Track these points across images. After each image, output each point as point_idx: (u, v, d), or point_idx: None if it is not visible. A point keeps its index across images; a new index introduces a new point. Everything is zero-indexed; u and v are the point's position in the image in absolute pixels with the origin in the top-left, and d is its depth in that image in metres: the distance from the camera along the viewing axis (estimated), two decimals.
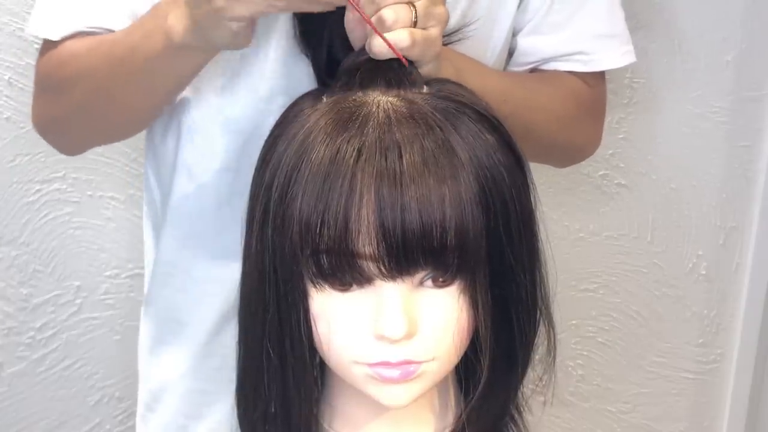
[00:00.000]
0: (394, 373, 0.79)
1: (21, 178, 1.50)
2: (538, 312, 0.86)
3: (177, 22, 0.88)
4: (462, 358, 0.83)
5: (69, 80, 1.01)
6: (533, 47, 1.11)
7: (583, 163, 1.29)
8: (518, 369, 0.86)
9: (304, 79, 0.96)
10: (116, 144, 1.49)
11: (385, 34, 0.81)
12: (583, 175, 1.65)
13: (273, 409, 0.86)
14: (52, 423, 1.62)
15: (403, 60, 0.81)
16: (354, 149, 0.75)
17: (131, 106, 1.00)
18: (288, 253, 0.78)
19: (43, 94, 1.08)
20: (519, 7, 1.08)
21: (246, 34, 0.87)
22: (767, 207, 1.71)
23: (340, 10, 0.86)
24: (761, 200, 1.71)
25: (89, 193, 1.54)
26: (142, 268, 1.18)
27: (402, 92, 0.81)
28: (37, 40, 1.07)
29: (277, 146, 0.81)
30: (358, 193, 0.74)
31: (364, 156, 0.75)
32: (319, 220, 0.75)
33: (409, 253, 0.75)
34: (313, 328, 0.80)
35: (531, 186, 0.84)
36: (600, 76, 1.15)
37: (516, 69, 1.13)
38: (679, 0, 1.59)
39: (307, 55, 0.95)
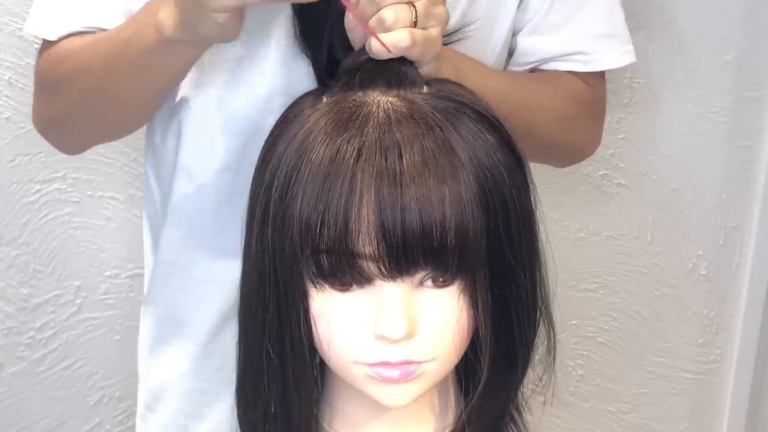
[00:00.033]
0: (394, 373, 0.79)
1: (21, 178, 1.50)
2: (538, 312, 0.86)
3: (167, 16, 0.88)
4: (462, 358, 0.83)
5: (66, 78, 1.01)
6: (533, 47, 1.11)
7: (583, 163, 1.29)
8: (518, 369, 0.86)
9: (304, 79, 0.96)
10: (116, 144, 1.50)
11: (386, 34, 0.81)
12: (583, 175, 1.65)
13: (273, 409, 0.86)
14: (52, 423, 1.62)
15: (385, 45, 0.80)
16: (354, 149, 0.75)
17: (127, 102, 1.01)
18: (288, 253, 0.78)
19: (42, 93, 1.08)
20: (519, 7, 1.08)
21: (233, 26, 0.87)
22: (767, 207, 1.71)
23: (340, 10, 0.86)
24: (761, 200, 1.71)
25: (89, 193, 1.54)
26: (142, 268, 1.18)
27: (402, 92, 0.81)
28: (37, 40, 1.07)
29: (277, 146, 0.81)
30: (358, 193, 0.74)
31: (364, 156, 0.75)
32: (319, 220, 0.75)
33: (409, 253, 0.75)
34: (313, 328, 0.80)
35: (531, 186, 0.84)
36: (600, 76, 1.15)
37: (516, 69, 1.13)
38: (679, 0, 1.59)
39: (307, 55, 0.95)
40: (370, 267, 0.76)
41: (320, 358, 0.83)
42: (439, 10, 0.84)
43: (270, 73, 0.99)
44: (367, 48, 0.82)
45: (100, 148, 1.50)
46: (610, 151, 1.64)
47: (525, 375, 0.87)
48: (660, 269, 1.73)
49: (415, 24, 0.82)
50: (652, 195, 1.68)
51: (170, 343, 1.12)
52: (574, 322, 1.73)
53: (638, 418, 1.81)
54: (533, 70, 1.13)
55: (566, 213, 1.67)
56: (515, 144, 0.82)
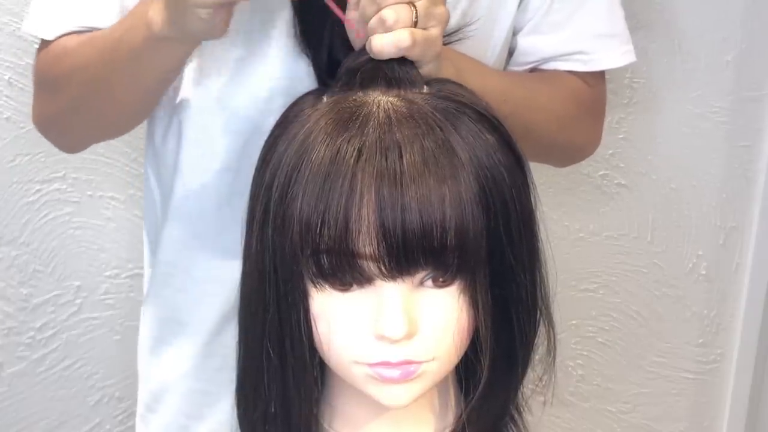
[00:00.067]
0: (395, 373, 0.79)
1: (21, 178, 1.50)
2: (538, 312, 0.86)
3: (155, 14, 0.89)
4: (462, 358, 0.83)
5: (63, 76, 1.02)
6: (533, 47, 1.11)
7: (583, 163, 1.29)
8: (518, 369, 0.86)
9: (305, 79, 0.96)
10: (116, 144, 1.50)
11: (386, 34, 0.81)
12: (583, 175, 1.65)
13: (273, 409, 0.85)
14: (52, 423, 1.62)
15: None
16: (354, 149, 0.75)
17: (123, 99, 1.01)
18: (288, 253, 0.78)
19: (40, 92, 1.09)
20: (519, 6, 1.08)
21: (218, 23, 0.87)
22: (767, 207, 1.71)
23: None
24: (761, 200, 1.71)
25: (89, 193, 1.54)
26: (142, 268, 1.18)
27: (402, 92, 0.81)
28: (36, 40, 1.07)
29: (277, 146, 0.81)
30: (358, 193, 0.74)
31: (364, 156, 0.75)
32: (320, 220, 0.75)
33: (409, 253, 0.75)
34: (314, 328, 0.80)
35: (531, 186, 0.84)
36: (600, 75, 1.15)
37: (516, 68, 1.13)
38: (679, 0, 1.59)
39: (307, 55, 0.95)
40: (371, 267, 0.76)
41: (320, 358, 0.83)
42: (440, 10, 0.84)
43: (270, 73, 0.99)
44: (367, 48, 0.82)
45: (100, 148, 1.50)
46: (610, 151, 1.64)
47: (525, 375, 0.87)
48: (660, 269, 1.73)
49: (415, 24, 0.82)
50: (652, 195, 1.68)
51: (171, 343, 1.12)
52: (574, 322, 1.73)
53: (638, 418, 1.81)
54: (533, 70, 1.13)
55: (566, 213, 1.67)
56: (515, 144, 0.82)
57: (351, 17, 0.85)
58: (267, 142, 0.84)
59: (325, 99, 0.83)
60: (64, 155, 1.49)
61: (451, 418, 0.89)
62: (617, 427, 1.81)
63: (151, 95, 1.02)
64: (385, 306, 0.77)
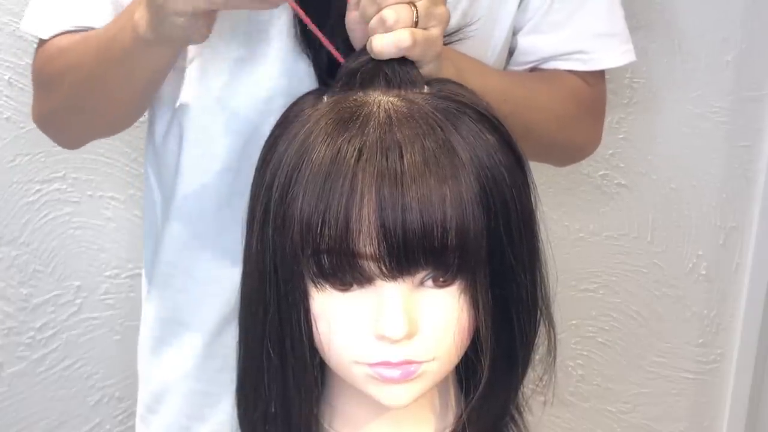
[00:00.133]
0: (395, 373, 0.79)
1: (21, 178, 1.50)
2: (539, 312, 0.86)
3: (140, 16, 0.90)
4: (462, 358, 0.83)
5: (59, 75, 1.03)
6: (533, 46, 1.11)
7: (583, 163, 1.29)
8: (518, 369, 0.86)
9: (305, 79, 0.96)
10: (116, 144, 1.50)
11: (387, 34, 0.81)
12: (583, 175, 1.65)
13: (273, 409, 0.85)
14: (52, 423, 1.62)
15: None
16: (355, 149, 0.75)
17: (116, 97, 1.02)
18: (289, 253, 0.78)
19: (38, 90, 1.09)
20: (519, 6, 1.08)
21: (197, 29, 0.87)
22: (767, 207, 1.71)
23: (341, 11, 0.86)
24: (761, 200, 1.71)
25: (89, 193, 1.54)
26: (142, 268, 1.18)
27: (403, 92, 0.81)
28: (36, 40, 1.08)
29: (277, 146, 0.81)
30: (358, 193, 0.74)
31: (365, 156, 0.75)
32: (320, 220, 0.75)
33: (409, 253, 0.75)
34: (314, 328, 0.80)
35: (531, 186, 0.84)
36: (600, 75, 1.16)
37: (516, 68, 1.13)
38: (679, 0, 1.59)
39: (307, 55, 0.95)
40: (371, 267, 0.76)
41: (320, 358, 0.83)
42: (440, 10, 0.84)
43: (270, 73, 0.99)
44: (368, 48, 0.82)
45: (100, 148, 1.50)
46: (610, 151, 1.64)
47: (525, 375, 0.87)
48: (660, 269, 1.73)
49: (416, 24, 0.82)
50: (652, 195, 1.68)
51: (171, 343, 1.12)
52: (574, 322, 1.73)
53: (638, 418, 1.81)
54: (533, 70, 1.13)
55: (566, 213, 1.67)
56: (516, 144, 0.82)
57: (351, 17, 0.85)
58: (267, 142, 0.84)
59: (325, 99, 0.83)
60: (64, 155, 1.49)
61: (451, 418, 0.89)
62: (617, 427, 1.81)
63: (144, 93, 1.03)
64: (386, 306, 0.77)
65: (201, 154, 1.04)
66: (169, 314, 1.11)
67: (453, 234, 0.75)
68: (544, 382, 0.90)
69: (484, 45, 1.07)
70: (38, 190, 1.52)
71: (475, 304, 0.80)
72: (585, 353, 1.76)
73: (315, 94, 0.85)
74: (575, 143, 1.18)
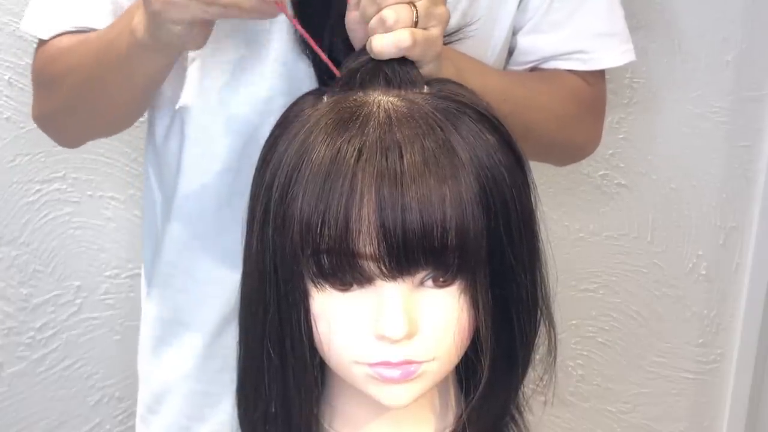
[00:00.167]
0: (395, 373, 0.79)
1: (21, 178, 1.50)
2: (539, 312, 0.86)
3: (138, 22, 0.90)
4: (462, 358, 0.83)
5: (58, 75, 1.03)
6: (533, 46, 1.11)
7: (583, 163, 1.29)
8: (519, 369, 0.86)
9: (305, 79, 0.96)
10: (116, 144, 1.50)
11: (387, 35, 0.81)
12: (583, 175, 1.65)
13: (273, 409, 0.85)
14: (52, 423, 1.62)
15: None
16: (355, 149, 0.75)
17: (115, 99, 1.02)
18: (288, 253, 0.78)
19: (38, 89, 1.10)
20: (519, 6, 1.08)
21: (193, 38, 0.88)
22: (767, 207, 1.71)
23: (341, 11, 0.86)
24: (761, 200, 1.71)
25: (89, 193, 1.54)
26: (142, 267, 1.18)
27: (402, 92, 0.81)
28: (36, 40, 1.08)
29: (277, 146, 0.81)
30: (358, 192, 0.74)
31: (364, 156, 0.75)
32: (320, 220, 0.75)
33: (409, 253, 0.75)
34: (314, 328, 0.80)
35: (531, 186, 0.84)
36: (600, 74, 1.16)
37: (516, 68, 1.13)
38: (679, 0, 1.59)
39: (307, 56, 0.95)
40: (371, 267, 0.76)
41: (320, 358, 0.83)
42: (440, 10, 0.84)
43: (270, 73, 0.99)
44: (367, 48, 0.82)
45: (100, 148, 1.50)
46: (610, 151, 1.64)
47: (525, 375, 0.87)
48: (660, 269, 1.73)
49: (416, 24, 0.82)
50: (652, 195, 1.68)
51: (171, 344, 1.12)
52: (574, 322, 1.73)
53: (638, 418, 1.81)
54: (533, 69, 1.13)
55: (566, 213, 1.67)
56: (516, 144, 0.82)
57: (351, 17, 0.85)
58: (267, 142, 0.84)
59: (325, 99, 0.83)
60: (64, 155, 1.49)
61: (451, 418, 0.89)
62: (617, 427, 1.81)
63: (143, 95, 1.03)
64: (386, 306, 0.77)
65: (201, 153, 1.04)
66: (170, 314, 1.11)
67: (453, 234, 0.75)
68: (544, 382, 0.90)
69: (484, 45, 1.07)
70: (38, 190, 1.52)
71: (475, 304, 0.80)
72: (585, 353, 1.76)
73: (315, 94, 0.85)
74: (575, 143, 1.18)
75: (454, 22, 0.96)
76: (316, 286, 0.79)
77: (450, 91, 0.82)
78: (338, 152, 0.76)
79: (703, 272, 1.74)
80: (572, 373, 1.76)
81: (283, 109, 0.86)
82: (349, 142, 0.76)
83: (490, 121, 0.80)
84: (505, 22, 1.08)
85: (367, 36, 0.82)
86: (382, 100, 0.79)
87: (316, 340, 0.81)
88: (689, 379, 1.80)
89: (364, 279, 0.77)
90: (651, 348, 1.77)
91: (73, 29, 1.04)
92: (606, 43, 1.13)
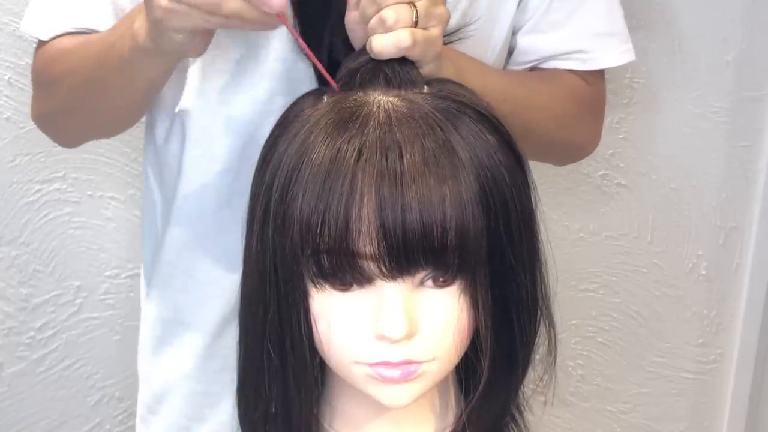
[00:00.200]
0: (395, 373, 0.79)
1: (21, 178, 1.50)
2: (539, 312, 0.86)
3: (140, 26, 0.90)
4: (462, 358, 0.83)
5: (58, 76, 1.03)
6: (533, 46, 1.11)
7: (583, 163, 1.29)
8: (518, 369, 0.86)
9: (305, 79, 0.96)
10: (116, 144, 1.50)
11: (387, 35, 0.81)
12: (583, 175, 1.65)
13: (273, 409, 0.85)
14: (52, 423, 1.62)
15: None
16: (355, 149, 0.75)
17: (114, 101, 1.02)
18: (288, 253, 0.78)
19: (38, 90, 1.10)
20: (519, 6, 1.08)
21: (194, 46, 0.88)
22: (767, 207, 1.71)
23: (341, 11, 0.86)
24: (761, 200, 1.71)
25: (89, 193, 1.54)
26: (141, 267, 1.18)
27: (402, 92, 0.81)
28: (35, 40, 1.08)
29: (277, 146, 0.81)
30: (358, 192, 0.74)
31: (364, 156, 0.75)
32: (320, 220, 0.75)
33: (409, 253, 0.75)
34: (314, 328, 0.80)
35: (531, 186, 0.84)
36: (599, 74, 1.16)
37: (515, 68, 1.13)
38: (679, 0, 1.59)
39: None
40: (371, 267, 0.76)
41: (320, 358, 0.83)
42: (440, 10, 0.84)
43: (270, 73, 0.99)
44: (367, 48, 0.82)
45: (100, 148, 1.50)
46: (610, 151, 1.64)
47: (525, 375, 0.87)
48: (660, 269, 1.73)
49: (416, 24, 0.82)
50: (652, 195, 1.68)
51: (172, 344, 1.12)
52: (574, 322, 1.73)
53: (638, 418, 1.81)
54: (533, 69, 1.13)
55: (566, 213, 1.67)
56: (516, 144, 0.82)
57: (351, 17, 0.85)
58: (267, 142, 0.84)
59: (325, 99, 0.83)
60: (64, 155, 1.49)
61: (451, 418, 0.89)
62: (617, 427, 1.81)
63: (144, 98, 1.03)
64: (386, 306, 0.77)
65: (201, 154, 1.04)
66: (170, 314, 1.11)
67: (453, 234, 0.75)
68: (544, 382, 0.90)
69: (484, 45, 1.07)
70: (38, 190, 1.52)
71: (475, 304, 0.80)
72: (585, 353, 1.76)
73: (315, 94, 0.85)
74: (575, 142, 1.18)
75: (454, 22, 0.95)
76: (316, 286, 0.79)
77: (450, 91, 0.82)
78: (338, 152, 0.76)
79: (703, 272, 1.74)
80: (572, 373, 1.76)
81: (283, 110, 0.86)
82: (349, 142, 0.76)
83: (490, 121, 0.80)
84: (505, 22, 1.08)
85: (367, 36, 0.82)
86: (382, 100, 0.79)
87: (316, 340, 0.81)
88: (689, 379, 1.80)
89: (364, 279, 0.77)
90: (651, 348, 1.77)
91: (73, 30, 1.04)
92: (605, 42, 1.13)
